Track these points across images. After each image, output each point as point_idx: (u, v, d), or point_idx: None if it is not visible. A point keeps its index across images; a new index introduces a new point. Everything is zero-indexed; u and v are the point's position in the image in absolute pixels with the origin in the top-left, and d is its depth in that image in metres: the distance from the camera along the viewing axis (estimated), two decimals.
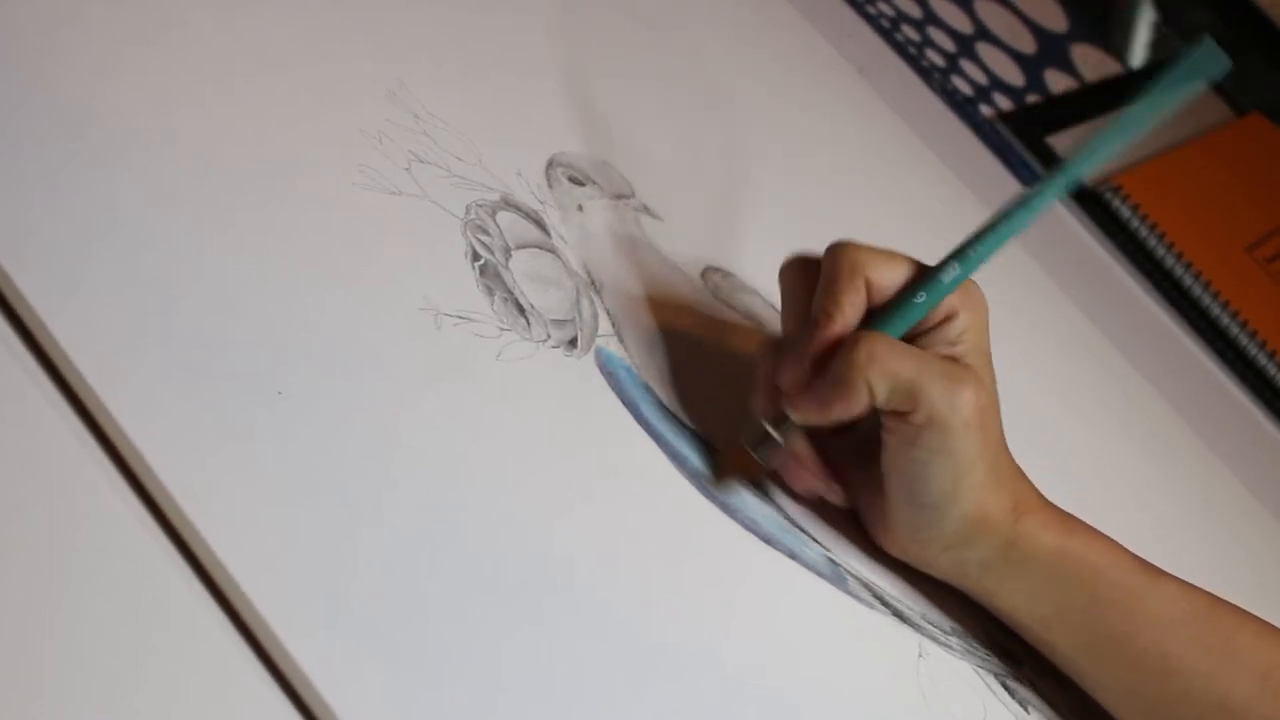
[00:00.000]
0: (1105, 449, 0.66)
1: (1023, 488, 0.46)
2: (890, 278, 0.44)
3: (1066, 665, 0.48)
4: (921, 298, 0.44)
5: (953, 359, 0.44)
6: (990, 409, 0.44)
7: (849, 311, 0.44)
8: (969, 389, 0.43)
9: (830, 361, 0.44)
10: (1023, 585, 0.46)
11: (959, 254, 0.45)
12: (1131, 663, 0.46)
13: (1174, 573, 0.47)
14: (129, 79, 0.44)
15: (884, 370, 0.43)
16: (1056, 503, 0.47)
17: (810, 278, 0.45)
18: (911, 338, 0.45)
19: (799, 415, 0.45)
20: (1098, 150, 0.44)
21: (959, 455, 0.43)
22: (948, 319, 0.45)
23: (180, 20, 0.47)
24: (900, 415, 0.43)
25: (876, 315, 0.45)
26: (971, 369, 0.44)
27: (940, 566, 0.47)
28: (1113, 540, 0.47)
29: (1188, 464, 0.69)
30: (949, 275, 0.44)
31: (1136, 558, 0.47)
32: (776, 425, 0.46)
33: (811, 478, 0.47)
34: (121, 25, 0.46)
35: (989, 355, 0.46)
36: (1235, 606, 0.47)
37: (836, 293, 0.44)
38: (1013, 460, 0.46)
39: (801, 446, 0.46)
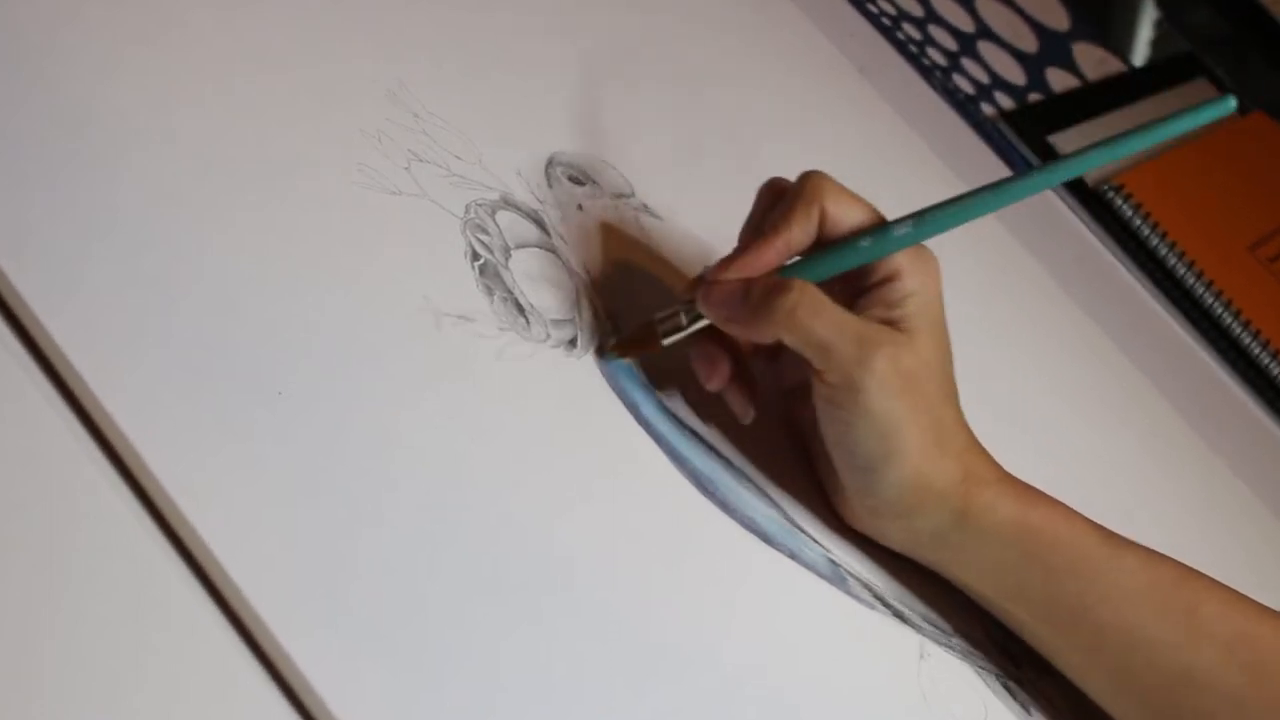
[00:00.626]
0: (1107, 448, 0.66)
1: (976, 459, 0.46)
2: (847, 215, 0.45)
3: (1029, 637, 0.48)
4: (866, 243, 0.45)
5: (887, 323, 0.44)
6: (922, 373, 0.44)
7: (795, 232, 0.45)
8: (884, 351, 0.43)
9: (755, 284, 0.45)
10: (978, 558, 0.46)
11: (917, 216, 0.45)
12: (1094, 636, 0.46)
13: None
14: (129, 79, 0.44)
15: (799, 325, 0.44)
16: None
17: (777, 200, 0.47)
18: (853, 294, 0.46)
19: (704, 309, 0.46)
20: (1090, 158, 0.44)
21: (879, 417, 0.44)
22: (890, 279, 0.45)
23: (180, 20, 0.47)
24: (818, 374, 0.44)
25: (820, 249, 0.46)
26: (894, 332, 0.44)
27: (894, 537, 0.47)
28: (1074, 512, 0.47)
29: (1189, 463, 0.69)
30: (899, 230, 0.45)
31: (1099, 529, 0.46)
32: (689, 312, 0.47)
33: (720, 377, 0.47)
34: (121, 25, 0.46)
35: (939, 323, 0.46)
36: (1202, 576, 0.47)
37: (790, 212, 0.45)
38: (966, 432, 0.46)
39: (715, 342, 0.47)
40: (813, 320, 0.43)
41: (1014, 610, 0.47)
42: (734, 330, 0.46)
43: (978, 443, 0.47)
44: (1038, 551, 0.46)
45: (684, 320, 0.47)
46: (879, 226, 0.45)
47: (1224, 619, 0.46)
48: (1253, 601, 0.47)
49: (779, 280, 0.45)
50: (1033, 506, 0.46)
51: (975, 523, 0.45)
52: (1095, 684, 0.47)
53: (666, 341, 0.47)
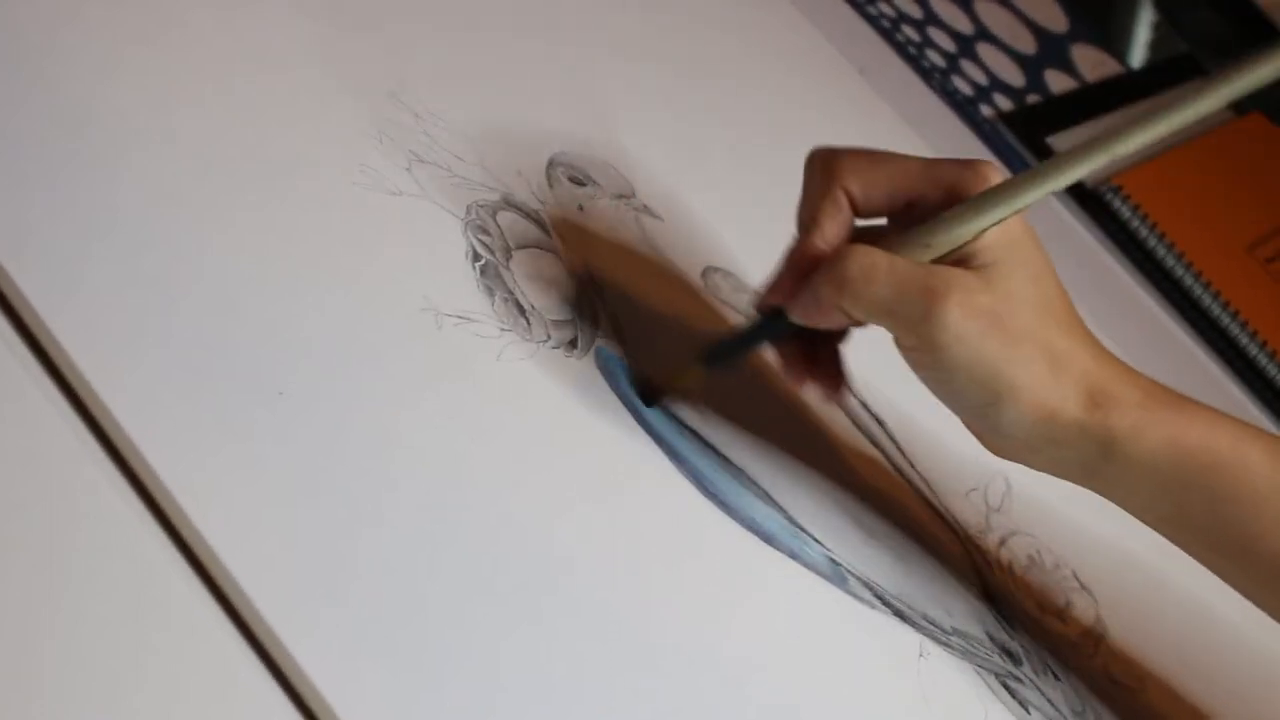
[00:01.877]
0: None
1: (1109, 378, 0.42)
2: (874, 185, 0.42)
3: (1204, 564, 0.45)
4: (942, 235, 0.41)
5: (958, 262, 0.41)
6: (1007, 306, 0.40)
7: (827, 227, 0.42)
8: (952, 299, 0.40)
9: (814, 275, 0.42)
10: (1133, 487, 0.43)
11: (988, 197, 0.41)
12: (1268, 566, 0.42)
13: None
14: (129, 79, 0.44)
15: (858, 296, 0.41)
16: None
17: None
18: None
19: (794, 317, 0.44)
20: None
21: (971, 365, 0.40)
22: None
23: (180, 20, 0.47)
24: (894, 339, 0.42)
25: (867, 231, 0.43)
26: (962, 273, 0.41)
27: (1044, 468, 0.44)
28: (1238, 425, 0.43)
29: None
30: (973, 220, 0.41)
31: (1267, 442, 0.42)
32: (771, 319, 0.45)
33: (795, 374, 0.45)
34: (121, 25, 0.46)
35: (1023, 246, 0.42)
36: None
37: (813, 207, 0.43)
38: (1089, 352, 0.42)
39: (786, 347, 0.45)
40: (867, 286, 0.41)
41: (1178, 538, 0.44)
42: (818, 327, 0.44)
43: (1112, 360, 0.43)
44: (1196, 477, 0.42)
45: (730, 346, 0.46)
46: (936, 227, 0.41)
47: None
48: None
49: (828, 257, 0.42)
50: (1188, 425, 0.42)
51: (1123, 450, 0.42)
52: (1267, 599, 0.44)
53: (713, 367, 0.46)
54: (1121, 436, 0.42)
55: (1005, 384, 0.41)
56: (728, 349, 0.47)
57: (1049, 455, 0.43)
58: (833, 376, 0.46)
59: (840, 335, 0.46)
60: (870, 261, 0.41)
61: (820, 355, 0.46)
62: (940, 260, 0.41)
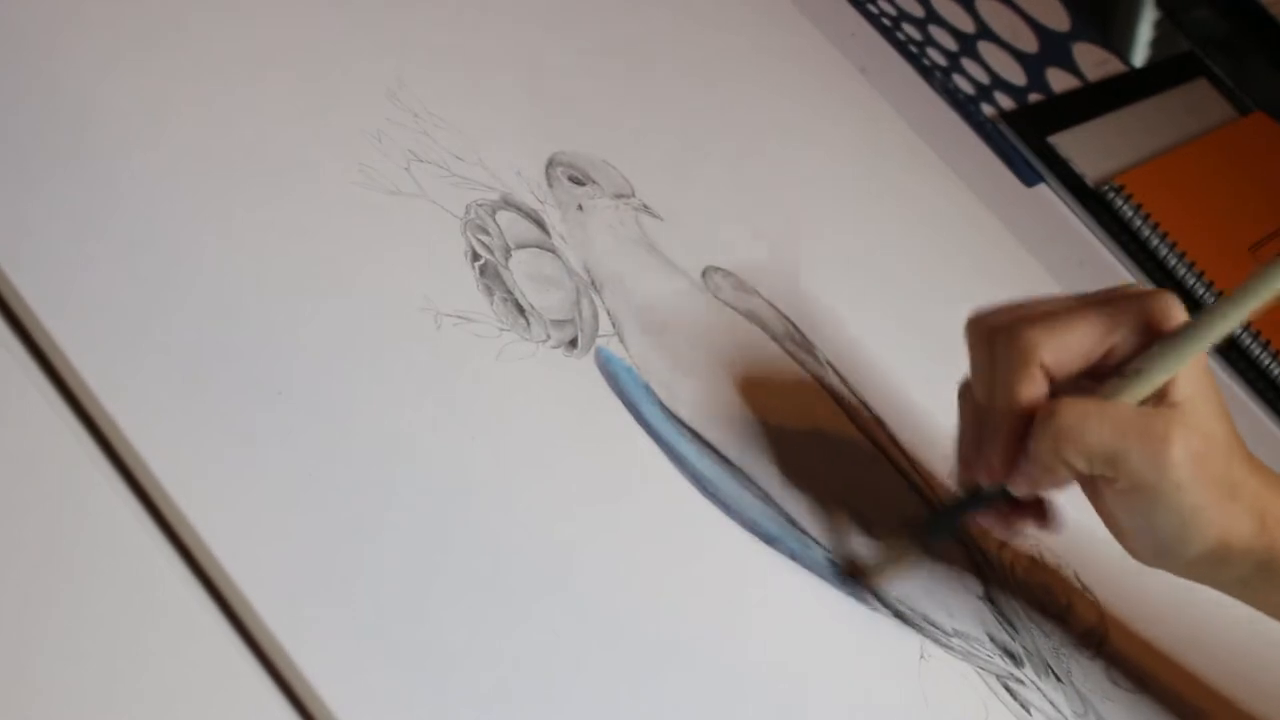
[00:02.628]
0: None
1: (1272, 498, 0.43)
2: (1072, 352, 0.42)
3: None
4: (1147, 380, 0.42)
5: (1160, 407, 0.41)
6: (1209, 445, 0.42)
7: (1027, 403, 0.42)
8: (1175, 445, 0.41)
9: (1028, 440, 0.42)
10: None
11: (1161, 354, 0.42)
12: None
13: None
14: (129, 79, 0.44)
15: (1079, 447, 0.41)
16: None
17: (990, 352, 0.43)
18: (1107, 373, 0.42)
19: (1017, 493, 0.44)
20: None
21: (1177, 508, 0.42)
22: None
23: (180, 20, 0.47)
24: (1108, 482, 0.42)
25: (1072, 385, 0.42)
26: (1171, 413, 0.41)
27: (1195, 579, 0.46)
28: None
29: None
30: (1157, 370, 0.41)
31: None
32: (985, 493, 0.45)
33: (1011, 528, 0.46)
34: (121, 25, 0.46)
35: (1205, 372, 0.42)
36: None
37: (1012, 387, 0.42)
38: (1259, 477, 0.44)
39: (1000, 505, 0.46)
40: (1092, 437, 0.41)
41: None
42: (1042, 492, 0.44)
43: (1268, 474, 0.44)
44: None
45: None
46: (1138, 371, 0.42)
47: None
48: None
49: (1036, 417, 0.42)
50: None
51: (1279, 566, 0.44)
52: None
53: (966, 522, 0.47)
54: None
55: (1199, 523, 0.42)
56: (944, 524, 0.48)
57: (1206, 574, 0.45)
58: (1044, 515, 0.46)
59: None
60: (1083, 409, 0.41)
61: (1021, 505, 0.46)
62: (1143, 403, 0.42)
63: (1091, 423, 0.41)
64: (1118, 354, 0.42)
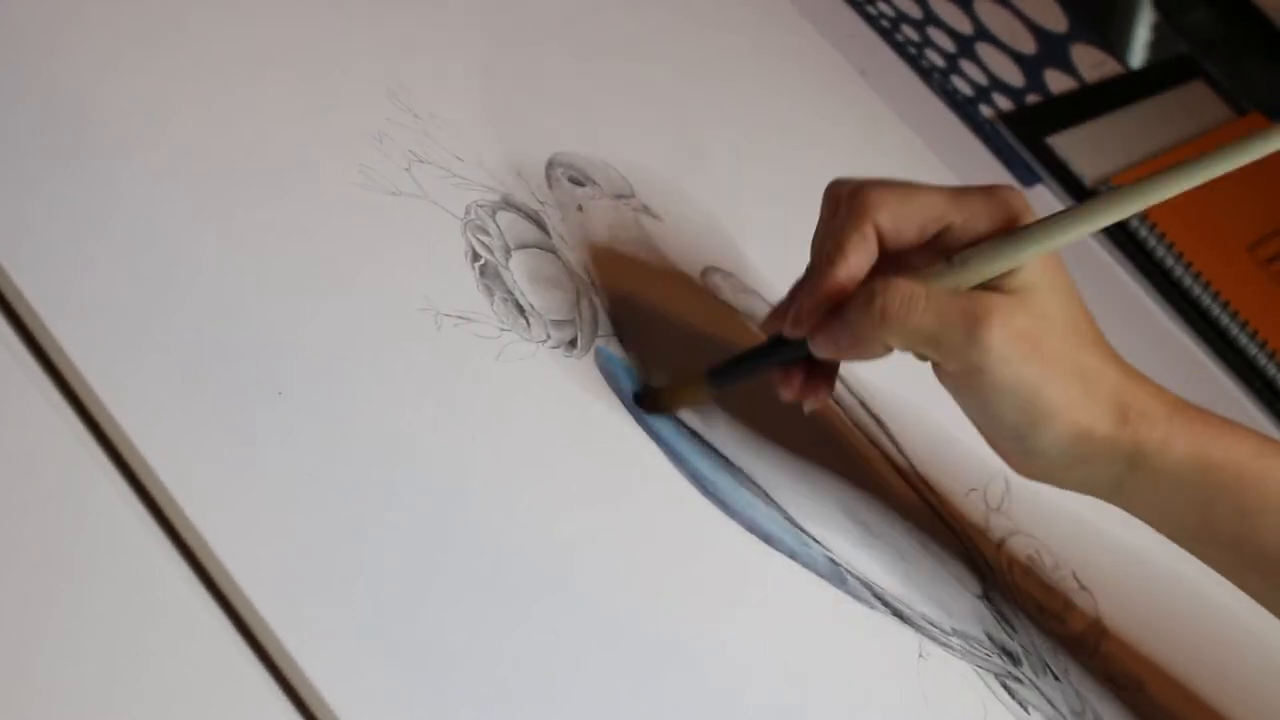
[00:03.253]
0: None
1: (1137, 395, 0.43)
2: (908, 220, 0.42)
3: (1229, 578, 0.45)
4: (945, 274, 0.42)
5: (993, 288, 0.42)
6: (1044, 327, 0.41)
7: (853, 261, 0.42)
8: (994, 321, 0.41)
9: (844, 306, 0.42)
10: (1160, 500, 0.44)
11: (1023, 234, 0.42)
12: None
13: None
14: (129, 79, 0.44)
15: (897, 326, 0.41)
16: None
17: (837, 210, 0.44)
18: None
19: (817, 351, 0.44)
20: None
21: (1012, 388, 0.41)
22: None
23: (180, 20, 0.47)
24: (935, 365, 0.43)
25: (898, 262, 0.43)
26: (1000, 297, 0.41)
27: (1073, 486, 0.45)
28: (1263, 440, 0.44)
29: None
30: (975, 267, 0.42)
31: None
32: (783, 345, 0.45)
33: (791, 390, 0.45)
34: (121, 25, 0.46)
35: (1053, 268, 0.42)
36: None
37: (839, 240, 0.42)
38: (1117, 369, 0.43)
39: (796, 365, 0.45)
40: (908, 316, 0.41)
41: (1204, 552, 0.44)
42: (844, 358, 0.44)
43: (1137, 376, 0.44)
44: (1224, 491, 0.43)
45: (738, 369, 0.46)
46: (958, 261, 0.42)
47: None
48: None
49: (861, 290, 0.42)
50: (1213, 440, 0.43)
51: (1150, 463, 0.43)
52: None
53: (718, 388, 0.47)
54: (1150, 450, 0.42)
55: (1042, 406, 0.42)
56: (734, 370, 0.47)
57: (1080, 473, 0.44)
58: (826, 389, 0.46)
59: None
60: (910, 293, 0.41)
61: (816, 371, 0.46)
62: (975, 289, 0.42)
63: (914, 304, 0.41)
64: (954, 236, 0.43)
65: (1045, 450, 0.43)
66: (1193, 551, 0.45)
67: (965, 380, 0.42)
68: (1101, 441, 0.42)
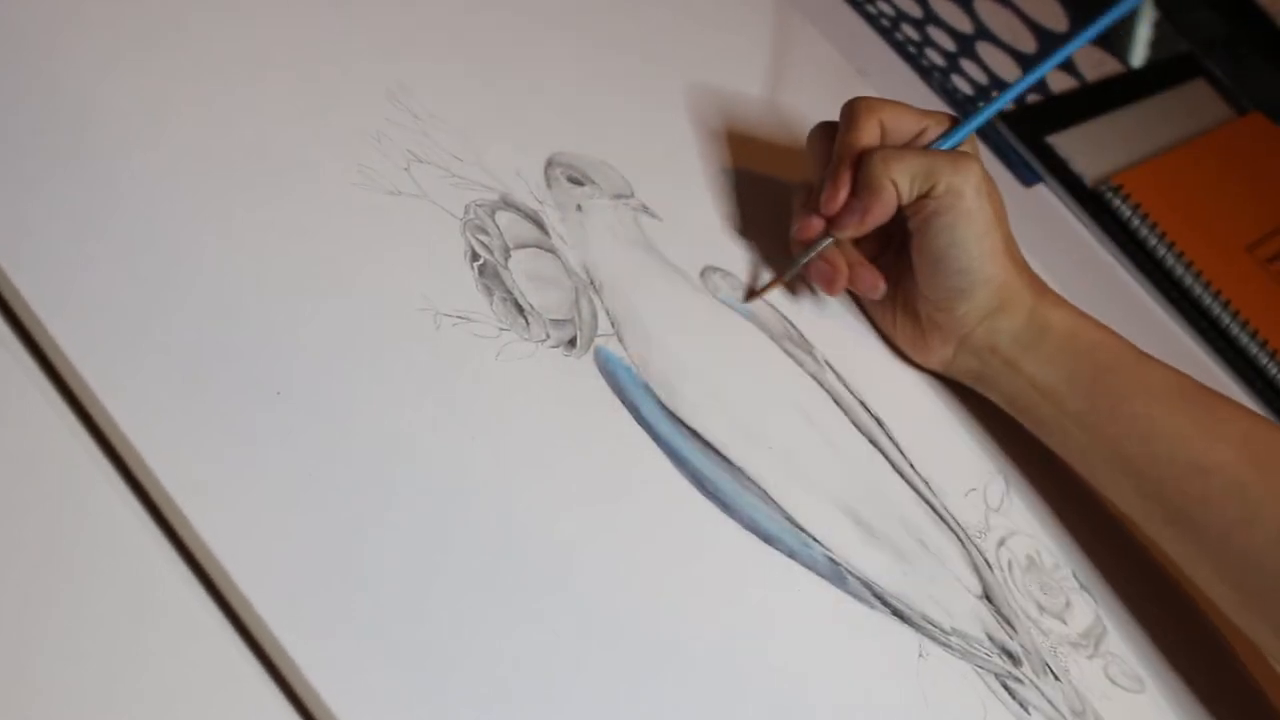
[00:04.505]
0: None
1: (1035, 275, 0.55)
2: (900, 122, 0.54)
3: (1065, 437, 0.54)
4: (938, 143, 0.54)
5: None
6: (995, 189, 0.53)
7: (866, 143, 0.53)
8: (975, 163, 0.53)
9: (857, 178, 0.53)
10: (1042, 353, 0.54)
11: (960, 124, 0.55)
12: (1125, 427, 0.53)
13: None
14: (129, 79, 0.44)
15: (901, 166, 0.52)
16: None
17: (832, 135, 0.55)
18: None
19: (844, 231, 0.54)
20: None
21: (977, 217, 0.52)
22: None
23: (180, 20, 0.47)
24: (924, 197, 0.52)
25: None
26: (972, 155, 0.54)
27: (975, 340, 0.55)
28: (1111, 329, 0.55)
29: None
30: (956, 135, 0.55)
31: (1133, 344, 0.55)
32: (812, 246, 0.54)
33: (844, 278, 0.54)
34: (121, 25, 0.46)
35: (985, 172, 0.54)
36: (1216, 391, 0.54)
37: (856, 128, 0.53)
38: (1021, 254, 0.55)
39: (834, 255, 0.54)
40: (911, 158, 0.52)
41: (1058, 406, 0.54)
42: (869, 222, 0.53)
43: (1026, 262, 0.55)
44: (1087, 350, 0.54)
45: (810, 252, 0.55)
46: (944, 134, 0.54)
47: (1236, 419, 0.53)
48: (1259, 413, 0.54)
49: (860, 160, 0.53)
50: (1083, 317, 0.55)
51: (1041, 321, 0.54)
52: (1114, 475, 0.53)
53: (788, 277, 0.56)
54: (1044, 310, 0.54)
55: (993, 243, 0.53)
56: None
57: (989, 325, 0.54)
58: (874, 274, 0.55)
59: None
60: (901, 147, 0.54)
61: (855, 264, 0.55)
62: None
63: (909, 151, 0.53)
64: (926, 139, 0.55)
65: (980, 290, 0.53)
66: (1045, 413, 0.54)
67: (945, 202, 0.52)
68: (1017, 294, 0.54)
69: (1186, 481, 0.51)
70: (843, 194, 0.53)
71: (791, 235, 0.55)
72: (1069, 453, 0.55)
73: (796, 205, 0.56)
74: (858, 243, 0.56)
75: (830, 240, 0.54)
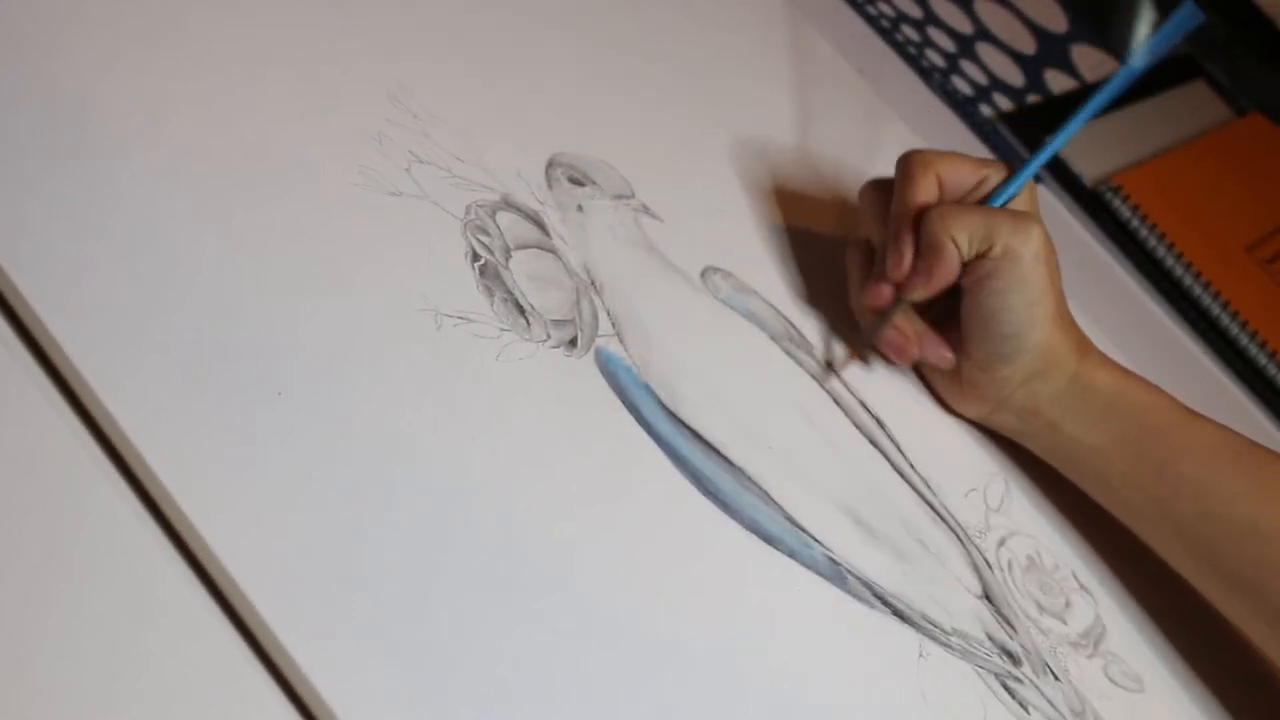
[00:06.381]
0: None
1: (1081, 334, 0.54)
2: (957, 175, 0.53)
3: (1112, 494, 0.54)
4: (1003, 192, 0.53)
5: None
6: (1053, 252, 0.52)
7: (924, 200, 0.52)
8: (1036, 226, 0.51)
9: (919, 239, 0.52)
10: (1085, 415, 0.53)
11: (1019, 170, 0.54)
12: (1174, 487, 0.52)
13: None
14: (129, 79, 0.44)
15: (961, 224, 0.51)
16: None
17: (886, 191, 0.54)
18: None
19: (914, 294, 0.52)
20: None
21: (1032, 283, 0.51)
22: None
23: (180, 20, 0.47)
24: (981, 257, 0.51)
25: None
26: (1033, 216, 0.52)
27: (1016, 402, 0.54)
28: (1160, 388, 0.54)
29: None
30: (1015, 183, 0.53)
31: (1181, 403, 0.54)
32: (882, 313, 0.54)
33: (916, 346, 0.54)
34: (121, 25, 0.46)
35: (1039, 217, 0.53)
36: (1266, 447, 0.53)
37: (912, 185, 0.52)
38: (1070, 315, 0.54)
39: (904, 323, 0.54)
40: (970, 217, 0.51)
41: (1104, 466, 0.53)
42: (935, 284, 0.52)
43: (1075, 320, 0.55)
44: (1132, 411, 0.53)
45: (881, 318, 0.54)
46: (1002, 184, 0.53)
47: None
48: None
49: (921, 221, 0.52)
50: (1128, 377, 0.54)
51: (1083, 383, 0.53)
52: (1165, 534, 0.53)
53: (877, 344, 0.55)
54: (1087, 372, 0.53)
55: (1042, 310, 0.52)
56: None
57: (1030, 388, 0.53)
58: (942, 345, 0.54)
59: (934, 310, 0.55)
60: (960, 204, 0.52)
61: (924, 333, 0.55)
62: None
63: (969, 209, 0.52)
64: (985, 189, 0.54)
65: (1024, 354, 0.52)
66: (1093, 470, 0.54)
67: (1000, 265, 0.51)
68: (1060, 358, 0.53)
69: (1243, 544, 0.50)
70: (908, 257, 0.52)
71: (858, 303, 0.55)
72: (1116, 508, 0.54)
73: (852, 266, 0.55)
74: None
75: (901, 305, 0.53)
